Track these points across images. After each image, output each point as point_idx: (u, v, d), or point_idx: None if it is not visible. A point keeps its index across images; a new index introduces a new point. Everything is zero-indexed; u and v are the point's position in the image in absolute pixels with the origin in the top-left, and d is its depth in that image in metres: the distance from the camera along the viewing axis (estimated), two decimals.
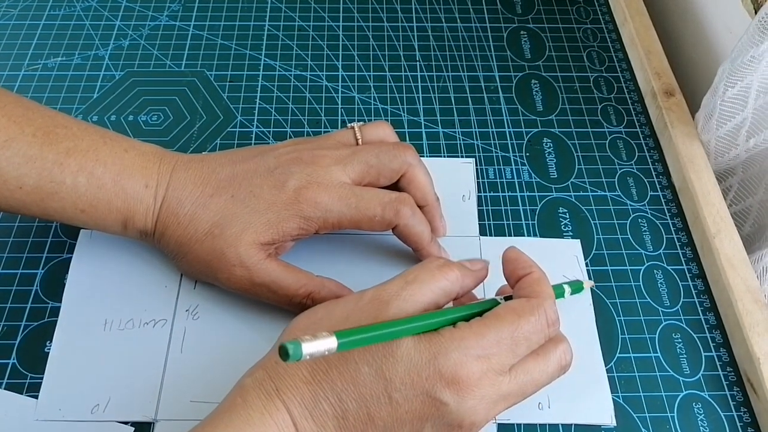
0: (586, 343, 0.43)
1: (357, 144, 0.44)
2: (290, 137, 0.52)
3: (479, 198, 0.50)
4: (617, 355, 0.43)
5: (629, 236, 0.48)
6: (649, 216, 0.50)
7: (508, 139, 0.53)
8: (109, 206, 0.40)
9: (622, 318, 0.45)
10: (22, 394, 0.40)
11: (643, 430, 0.40)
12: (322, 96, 0.56)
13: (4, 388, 0.40)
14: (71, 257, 0.45)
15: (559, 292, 0.40)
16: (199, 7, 0.62)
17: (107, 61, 0.57)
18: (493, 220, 0.49)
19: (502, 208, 0.49)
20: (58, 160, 0.39)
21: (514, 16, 0.63)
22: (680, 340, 0.44)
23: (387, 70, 0.58)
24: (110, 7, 0.61)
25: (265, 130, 0.53)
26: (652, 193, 0.51)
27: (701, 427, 0.40)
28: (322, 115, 0.54)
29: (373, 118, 0.54)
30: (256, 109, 0.54)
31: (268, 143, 0.51)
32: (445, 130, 0.54)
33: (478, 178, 0.51)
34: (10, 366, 0.41)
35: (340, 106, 0.55)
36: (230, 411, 0.32)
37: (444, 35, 0.61)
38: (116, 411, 0.39)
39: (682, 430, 0.40)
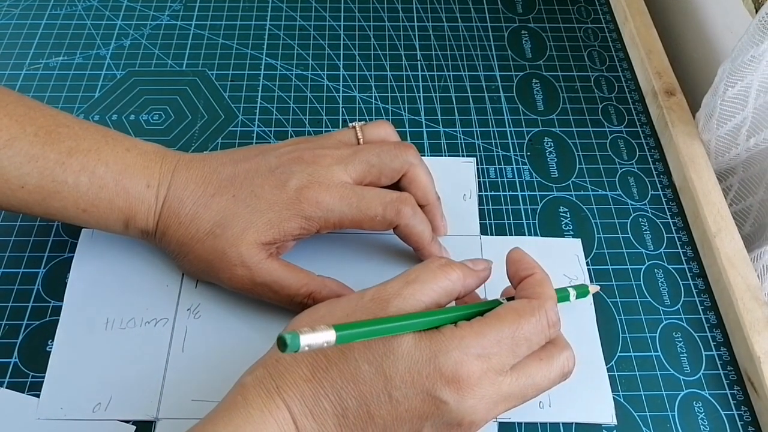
0: (587, 341, 0.43)
1: (358, 143, 0.44)
2: (291, 136, 0.52)
3: (480, 197, 0.50)
4: (618, 353, 0.43)
5: (630, 235, 0.48)
6: (650, 215, 0.50)
7: (509, 138, 0.54)
8: (111, 206, 0.40)
9: (622, 317, 0.45)
10: (23, 393, 0.40)
11: (643, 428, 0.40)
12: (323, 95, 0.56)
13: (6, 387, 0.40)
14: (73, 256, 0.45)
15: (564, 295, 0.40)
16: (200, 6, 0.62)
17: (109, 60, 0.57)
18: (494, 219, 0.49)
19: (503, 207, 0.49)
20: (60, 159, 0.39)
21: (515, 16, 0.63)
22: (681, 339, 0.44)
23: (388, 69, 0.58)
24: (112, 7, 0.61)
25: (266, 129, 0.53)
26: (652, 193, 0.51)
27: (702, 426, 0.41)
28: (324, 114, 0.55)
29: (374, 117, 0.54)
30: (258, 108, 0.54)
31: (270, 142, 0.52)
32: (446, 129, 0.54)
33: (479, 177, 0.51)
34: (11, 365, 0.41)
35: (341, 105, 0.55)
36: (230, 409, 0.32)
37: (445, 35, 0.61)
38: (118, 410, 0.39)
39: (682, 429, 0.40)
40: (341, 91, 0.56)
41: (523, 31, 0.61)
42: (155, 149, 0.42)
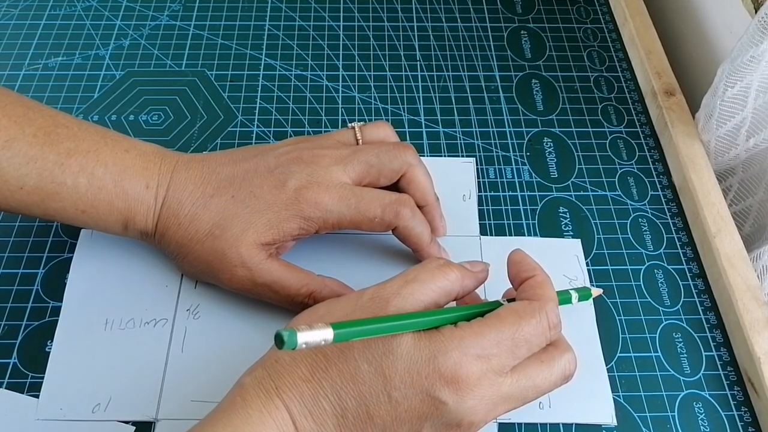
0: (587, 342, 0.43)
1: (357, 144, 0.44)
2: (291, 137, 0.52)
3: (480, 197, 0.50)
4: (618, 354, 0.43)
5: (630, 236, 0.48)
6: (650, 215, 0.50)
7: (509, 138, 0.53)
8: (110, 207, 0.40)
9: (622, 317, 0.45)
10: (23, 393, 0.40)
11: (643, 429, 0.40)
12: (322, 96, 0.56)
13: (5, 388, 0.40)
14: (72, 257, 0.45)
15: (566, 298, 0.40)
16: (199, 6, 0.62)
17: (108, 60, 0.57)
18: (494, 219, 0.49)
19: (503, 207, 0.49)
20: (58, 160, 0.39)
21: (515, 16, 0.63)
22: (681, 340, 0.44)
23: (387, 69, 0.58)
24: (111, 7, 0.61)
25: (265, 129, 0.53)
26: (652, 193, 0.51)
27: (702, 427, 0.41)
28: (323, 114, 0.55)
29: (373, 117, 0.54)
30: (257, 108, 0.54)
31: (269, 143, 0.52)
32: (446, 129, 0.54)
33: (478, 177, 0.51)
34: (11, 365, 0.41)
35: (340, 105, 0.55)
36: (229, 410, 0.32)
37: (444, 35, 0.61)
38: (117, 410, 0.39)
39: (682, 430, 0.40)
40: (340, 92, 0.56)
41: (522, 32, 0.61)
42: (154, 150, 0.42)
